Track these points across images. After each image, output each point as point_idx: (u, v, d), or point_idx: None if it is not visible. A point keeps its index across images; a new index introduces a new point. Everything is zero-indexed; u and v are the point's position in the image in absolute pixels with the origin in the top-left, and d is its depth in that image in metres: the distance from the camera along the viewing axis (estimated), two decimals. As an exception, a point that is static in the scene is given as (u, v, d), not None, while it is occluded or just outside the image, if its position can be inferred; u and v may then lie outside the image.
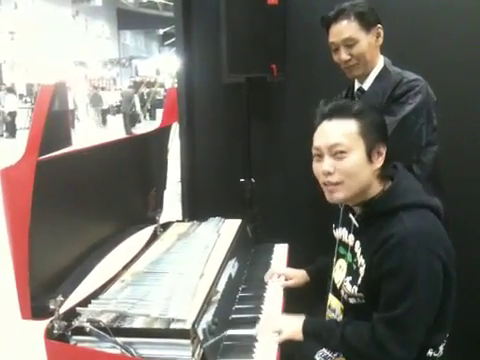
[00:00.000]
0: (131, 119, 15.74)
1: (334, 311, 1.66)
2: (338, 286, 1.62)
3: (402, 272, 1.35)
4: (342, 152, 1.42)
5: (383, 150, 1.46)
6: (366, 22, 1.86)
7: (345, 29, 1.86)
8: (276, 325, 1.59)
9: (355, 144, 1.42)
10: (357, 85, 2.01)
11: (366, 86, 1.96)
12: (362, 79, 1.97)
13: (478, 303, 2.34)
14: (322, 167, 1.45)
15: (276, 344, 1.54)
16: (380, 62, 1.94)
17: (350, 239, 1.59)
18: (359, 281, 1.49)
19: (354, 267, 1.53)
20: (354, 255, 1.54)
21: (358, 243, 1.53)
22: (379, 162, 1.45)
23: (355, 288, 1.50)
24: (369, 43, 1.87)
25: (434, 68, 2.15)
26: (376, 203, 1.47)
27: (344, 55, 1.89)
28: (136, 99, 16.74)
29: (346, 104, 1.50)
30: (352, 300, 1.54)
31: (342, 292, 1.58)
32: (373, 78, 1.93)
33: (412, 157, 1.82)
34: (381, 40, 1.92)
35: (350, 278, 1.54)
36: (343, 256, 1.63)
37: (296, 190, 2.61)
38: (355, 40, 1.86)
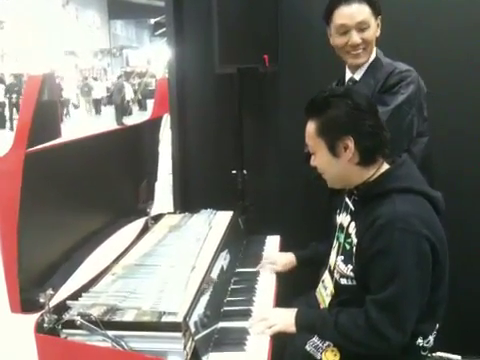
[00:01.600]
0: (121, 110, 15.65)
1: (326, 289, 1.68)
2: (332, 267, 1.64)
3: (389, 253, 1.38)
4: (313, 153, 1.55)
5: (350, 143, 1.46)
6: (375, 9, 1.84)
7: (359, 12, 1.82)
8: (269, 319, 1.59)
9: (317, 144, 1.52)
10: (348, 75, 1.99)
11: (358, 76, 1.95)
12: (354, 69, 1.96)
13: (470, 296, 2.36)
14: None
15: (268, 336, 1.54)
16: (373, 53, 1.92)
17: (346, 220, 1.62)
18: (353, 259, 1.51)
19: (347, 247, 1.56)
20: (348, 235, 1.57)
21: (353, 224, 1.56)
22: (347, 155, 1.47)
23: (349, 266, 1.53)
24: (375, 31, 1.87)
25: (425, 60, 2.14)
26: (371, 185, 1.51)
27: (356, 38, 1.84)
28: (127, 89, 16.62)
29: (310, 103, 1.54)
30: (343, 281, 1.56)
31: (335, 272, 1.61)
32: (365, 68, 1.92)
33: (403, 147, 1.82)
34: (379, 32, 1.90)
35: (342, 257, 1.57)
36: (338, 238, 1.66)
37: (288, 182, 2.61)
38: (368, 24, 1.83)
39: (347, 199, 1.63)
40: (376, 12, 1.85)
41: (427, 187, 1.50)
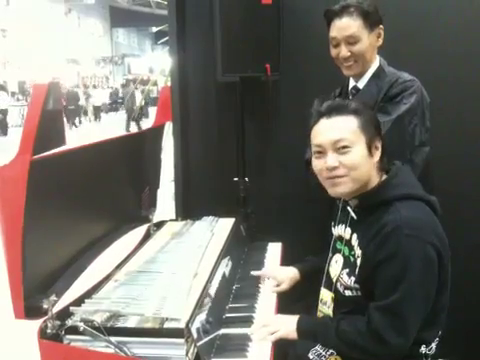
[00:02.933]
0: (131, 116, 15.59)
1: (325, 303, 1.69)
2: (334, 280, 1.64)
3: (396, 259, 1.38)
4: (345, 147, 1.47)
5: (379, 144, 1.54)
6: (370, 21, 1.85)
7: (348, 26, 1.84)
8: (271, 325, 1.60)
9: (357, 139, 1.48)
10: (352, 83, 2.01)
11: (361, 85, 1.96)
12: (357, 78, 1.97)
13: (473, 303, 2.36)
14: (326, 163, 1.49)
15: (270, 343, 1.54)
16: (376, 62, 1.94)
17: (347, 233, 1.62)
18: (356, 271, 1.52)
19: (351, 259, 1.57)
20: (351, 248, 1.57)
21: (355, 235, 1.57)
22: (377, 155, 1.53)
23: (352, 278, 1.54)
24: (370, 43, 1.87)
25: (428, 69, 2.15)
26: (372, 194, 1.52)
27: (344, 52, 1.87)
28: (137, 95, 16.59)
29: (343, 102, 1.57)
30: (348, 292, 1.57)
31: (338, 284, 1.61)
32: (368, 77, 1.94)
33: (405, 156, 1.83)
34: (381, 41, 1.92)
35: (347, 270, 1.58)
36: (339, 250, 1.66)
37: (290, 189, 2.61)
38: (357, 38, 1.84)
39: (349, 209, 1.62)
40: (371, 24, 1.85)
41: (423, 192, 1.52)
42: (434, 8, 2.34)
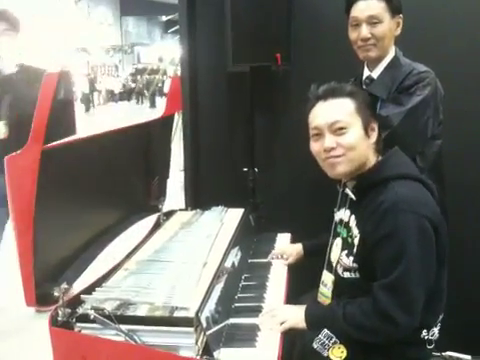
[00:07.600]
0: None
1: (326, 285, 1.70)
2: (334, 263, 1.66)
3: (394, 235, 1.40)
4: (342, 128, 1.52)
5: (375, 126, 1.58)
6: (393, 6, 1.84)
7: (373, 6, 1.82)
8: (279, 315, 1.60)
9: (354, 120, 1.53)
10: (366, 73, 1.98)
11: (375, 74, 1.93)
12: (372, 67, 1.95)
13: (477, 295, 2.35)
14: (324, 144, 1.53)
15: (278, 333, 1.55)
16: (392, 51, 1.91)
17: (346, 215, 1.64)
18: (354, 250, 1.54)
19: (349, 240, 1.59)
20: (349, 229, 1.60)
21: (353, 217, 1.59)
22: (373, 137, 1.57)
23: (351, 258, 1.55)
24: (390, 28, 1.85)
25: (443, 63, 2.12)
26: (370, 174, 1.55)
27: (365, 33, 1.84)
28: None
29: (338, 86, 1.60)
30: (347, 274, 1.58)
31: (338, 267, 1.63)
32: (383, 67, 1.91)
33: (417, 148, 1.82)
34: (399, 31, 1.90)
35: (346, 251, 1.60)
36: (339, 234, 1.68)
37: (299, 179, 2.61)
38: (380, 19, 1.83)
39: (348, 191, 1.63)
40: (393, 9, 1.84)
41: (418, 173, 1.55)
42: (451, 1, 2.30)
